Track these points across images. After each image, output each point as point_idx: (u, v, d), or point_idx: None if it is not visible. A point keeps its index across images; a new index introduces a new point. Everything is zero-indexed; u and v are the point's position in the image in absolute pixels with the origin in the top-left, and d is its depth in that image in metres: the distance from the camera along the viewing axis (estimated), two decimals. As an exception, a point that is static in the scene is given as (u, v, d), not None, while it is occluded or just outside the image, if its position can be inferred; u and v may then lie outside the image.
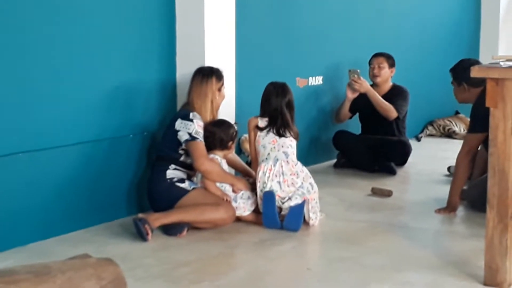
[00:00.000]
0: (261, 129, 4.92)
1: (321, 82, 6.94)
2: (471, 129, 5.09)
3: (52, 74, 4.52)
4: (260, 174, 4.80)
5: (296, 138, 4.96)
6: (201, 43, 5.20)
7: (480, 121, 4.96)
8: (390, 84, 6.73)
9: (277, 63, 6.31)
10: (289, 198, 4.76)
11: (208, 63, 5.15)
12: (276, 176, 4.78)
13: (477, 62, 5.26)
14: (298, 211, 4.72)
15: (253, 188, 4.90)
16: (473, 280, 3.86)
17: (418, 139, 8.20)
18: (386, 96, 6.60)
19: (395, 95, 6.62)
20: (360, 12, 7.36)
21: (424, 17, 8.41)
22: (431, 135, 8.25)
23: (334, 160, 6.83)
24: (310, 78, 6.82)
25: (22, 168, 4.38)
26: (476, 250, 4.20)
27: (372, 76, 6.71)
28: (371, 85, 6.65)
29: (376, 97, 6.47)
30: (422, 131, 8.44)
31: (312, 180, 4.88)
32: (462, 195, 5.27)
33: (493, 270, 3.72)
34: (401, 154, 6.65)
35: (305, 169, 4.89)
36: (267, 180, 4.76)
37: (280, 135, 4.89)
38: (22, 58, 4.35)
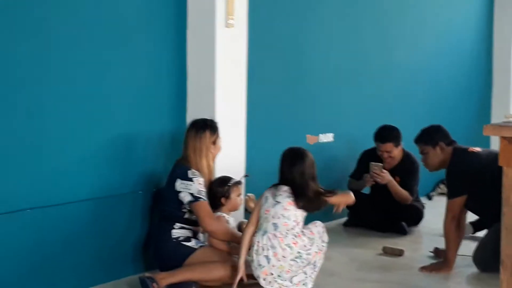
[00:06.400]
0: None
1: (332, 139, 6.92)
2: (451, 194, 5.17)
3: (60, 129, 4.51)
4: (252, 244, 4.56)
5: (308, 209, 4.58)
6: (212, 96, 5.21)
7: (457, 185, 5.05)
8: (400, 154, 6.63)
9: (288, 119, 6.31)
10: (293, 277, 4.49)
11: (219, 115, 5.14)
12: (263, 249, 4.48)
13: (437, 127, 5.45)
14: None
15: None
16: None
17: (430, 198, 8.14)
18: (397, 168, 6.53)
19: (406, 170, 6.50)
20: (369, 68, 7.37)
21: (435, 75, 8.41)
22: (442, 194, 8.16)
23: (345, 219, 6.75)
24: (321, 135, 6.80)
25: (29, 225, 4.35)
26: (490, 312, 4.12)
27: (383, 159, 6.54)
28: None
29: (396, 187, 6.40)
30: (433, 190, 8.37)
31: (319, 243, 4.57)
32: (472, 259, 5.23)
33: (508, 333, 3.63)
34: (414, 220, 6.57)
35: (303, 238, 4.51)
36: (255, 254, 4.49)
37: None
38: (31, 115, 4.35)
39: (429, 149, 5.35)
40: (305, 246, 4.51)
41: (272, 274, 4.46)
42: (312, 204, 4.59)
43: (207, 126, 4.85)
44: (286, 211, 4.53)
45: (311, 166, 4.64)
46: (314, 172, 4.66)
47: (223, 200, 5.01)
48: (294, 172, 4.58)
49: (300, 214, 4.57)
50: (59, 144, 4.53)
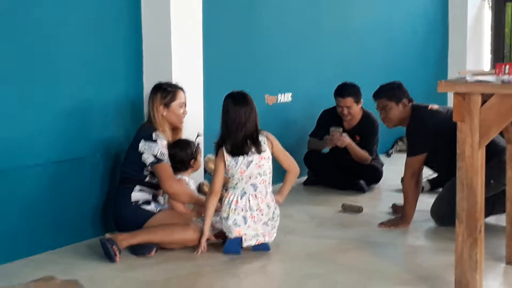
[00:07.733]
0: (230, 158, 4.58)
1: (290, 99, 6.94)
2: (412, 152, 5.21)
3: (17, 95, 4.45)
4: (226, 202, 4.58)
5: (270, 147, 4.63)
6: (168, 59, 5.18)
7: (418, 142, 5.10)
8: (360, 113, 6.68)
9: (246, 80, 6.28)
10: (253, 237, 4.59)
11: (175, 79, 5.11)
12: (242, 210, 4.54)
13: (399, 84, 5.45)
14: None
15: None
16: (443, 295, 3.86)
17: (388, 155, 8.23)
18: (357, 128, 6.58)
19: (366, 130, 6.56)
20: (326, 29, 7.38)
21: (391, 34, 8.45)
22: (401, 151, 8.26)
23: (305, 178, 6.80)
24: (279, 95, 6.82)
25: (-13, 190, 4.31)
26: (446, 265, 4.19)
27: (342, 116, 6.58)
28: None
29: (355, 149, 6.45)
30: (392, 147, 8.46)
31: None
32: (430, 213, 5.32)
33: (464, 285, 3.70)
34: (373, 179, 6.62)
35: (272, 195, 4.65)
36: (231, 212, 4.54)
37: (245, 153, 4.54)
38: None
39: (392, 104, 5.33)
40: (272, 200, 4.63)
41: (245, 234, 4.54)
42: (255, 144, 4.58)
43: (158, 88, 4.83)
44: (260, 168, 4.58)
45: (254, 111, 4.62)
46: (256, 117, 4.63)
47: (191, 162, 4.99)
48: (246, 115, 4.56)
49: (269, 163, 4.63)
50: (17, 109, 4.47)
